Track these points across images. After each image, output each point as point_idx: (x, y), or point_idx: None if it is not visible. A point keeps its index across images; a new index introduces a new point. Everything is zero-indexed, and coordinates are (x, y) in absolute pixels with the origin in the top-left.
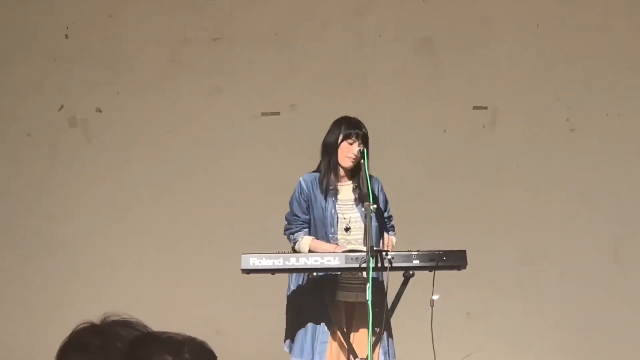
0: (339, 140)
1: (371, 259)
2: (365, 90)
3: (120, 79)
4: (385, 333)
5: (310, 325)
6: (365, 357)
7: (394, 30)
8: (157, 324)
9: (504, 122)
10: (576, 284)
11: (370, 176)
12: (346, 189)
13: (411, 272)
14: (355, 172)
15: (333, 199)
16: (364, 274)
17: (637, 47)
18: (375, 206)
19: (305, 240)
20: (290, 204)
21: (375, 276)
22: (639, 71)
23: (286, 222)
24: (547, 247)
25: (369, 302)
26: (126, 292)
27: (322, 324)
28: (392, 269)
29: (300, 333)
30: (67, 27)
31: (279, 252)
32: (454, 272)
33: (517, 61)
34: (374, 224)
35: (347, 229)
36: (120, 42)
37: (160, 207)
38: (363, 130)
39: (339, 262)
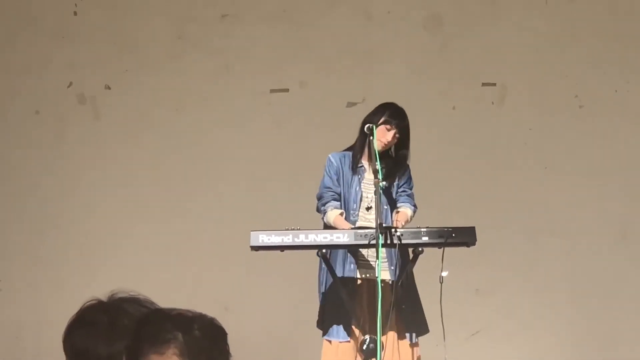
0: (379, 122)
1: (380, 235)
2: (374, 67)
3: (129, 56)
4: (414, 313)
5: (337, 308)
6: (381, 335)
7: (402, 7)
8: (165, 300)
9: (512, 99)
10: (584, 260)
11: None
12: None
13: (420, 249)
14: (385, 155)
15: (359, 177)
16: (384, 251)
17: None
18: (384, 183)
19: (331, 213)
20: (322, 181)
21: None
22: None
23: (317, 200)
24: (555, 223)
25: (378, 279)
26: (134, 270)
27: (344, 306)
28: (401, 245)
29: (329, 314)
30: (76, 4)
31: (287, 229)
32: (463, 248)
33: (526, 38)
34: (385, 202)
35: (368, 209)
36: (129, 19)
37: (168, 184)
38: (405, 122)
39: (347, 239)
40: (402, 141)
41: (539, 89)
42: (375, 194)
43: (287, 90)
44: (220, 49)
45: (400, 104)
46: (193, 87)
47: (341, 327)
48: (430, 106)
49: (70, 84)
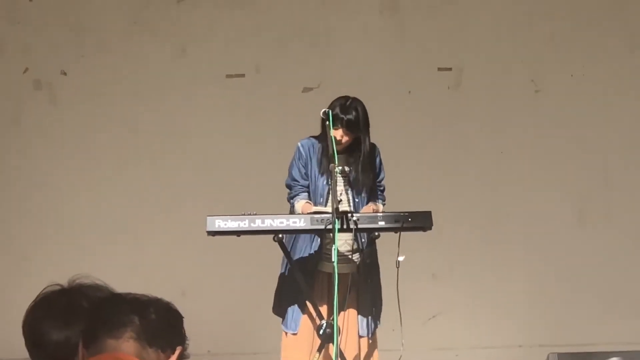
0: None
1: (336, 220)
2: (330, 51)
3: (85, 42)
4: (370, 304)
5: (292, 296)
6: (335, 322)
7: None
8: (123, 285)
9: (468, 83)
10: (540, 245)
11: (373, 144)
12: (342, 161)
13: (376, 234)
14: (352, 146)
15: (328, 169)
16: (350, 243)
17: (601, 7)
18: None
19: (298, 204)
20: (290, 169)
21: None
22: (603, 32)
23: (288, 189)
24: (512, 206)
25: (335, 264)
26: (91, 254)
27: (301, 294)
28: (358, 230)
29: (285, 304)
30: None
31: (244, 214)
32: (420, 233)
33: (482, 22)
34: (363, 195)
35: (340, 201)
36: (84, 4)
37: (125, 169)
38: (347, 116)
39: (304, 224)
40: (356, 132)
41: (494, 73)
42: (331, 178)
43: (243, 75)
44: (176, 33)
45: (356, 87)
46: (150, 73)
47: (295, 316)
48: (386, 91)
49: (26, 69)
